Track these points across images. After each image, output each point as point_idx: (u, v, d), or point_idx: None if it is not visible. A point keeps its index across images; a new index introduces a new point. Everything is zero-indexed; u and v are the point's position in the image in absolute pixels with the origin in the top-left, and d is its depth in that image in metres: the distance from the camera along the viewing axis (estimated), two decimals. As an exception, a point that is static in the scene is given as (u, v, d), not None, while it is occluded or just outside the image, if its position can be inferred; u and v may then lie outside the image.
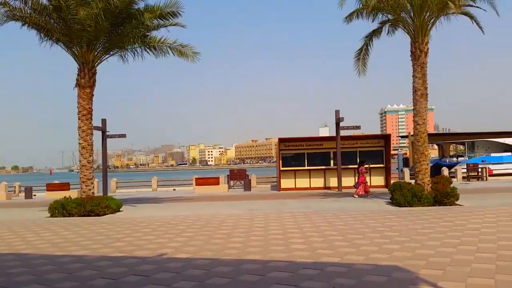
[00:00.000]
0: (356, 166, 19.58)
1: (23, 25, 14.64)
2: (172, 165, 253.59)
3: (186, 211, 14.71)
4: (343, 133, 22.70)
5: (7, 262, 7.07)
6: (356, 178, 19.00)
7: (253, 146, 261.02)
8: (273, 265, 6.26)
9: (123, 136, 23.67)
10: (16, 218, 14.13)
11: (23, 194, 28.14)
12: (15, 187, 30.55)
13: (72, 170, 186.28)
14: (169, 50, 16.86)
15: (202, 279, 5.64)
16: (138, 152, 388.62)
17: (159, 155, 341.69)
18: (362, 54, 17.80)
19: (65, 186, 26.19)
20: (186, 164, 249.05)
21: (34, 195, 28.30)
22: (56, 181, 30.45)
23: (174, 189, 30.01)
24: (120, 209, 15.61)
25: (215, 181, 26.14)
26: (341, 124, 21.95)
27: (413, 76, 14.99)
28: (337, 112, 21.98)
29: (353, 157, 23.28)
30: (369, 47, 17.69)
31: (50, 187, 26.63)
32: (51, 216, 14.36)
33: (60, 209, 14.37)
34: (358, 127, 22.73)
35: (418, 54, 14.82)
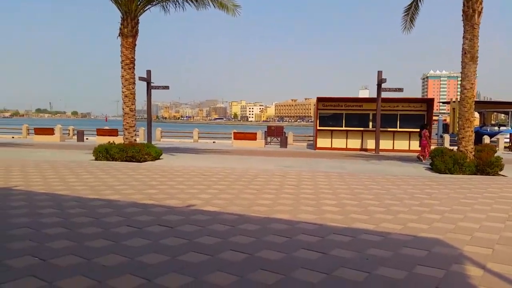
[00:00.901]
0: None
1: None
2: (216, 118, 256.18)
3: (221, 163, 14.31)
4: (384, 95, 21.23)
5: (39, 202, 6.86)
6: (416, 141, 18.09)
7: (292, 105, 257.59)
8: (301, 227, 5.63)
9: (167, 87, 23.29)
10: (63, 159, 14.27)
11: (76, 137, 28.92)
12: (69, 130, 31.45)
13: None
14: (209, 1, 15.92)
15: (226, 236, 5.11)
16: (184, 105, 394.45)
17: (203, 109, 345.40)
18: (412, 9, 16.13)
19: (113, 132, 26.54)
20: (223, 119, 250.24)
21: (86, 138, 29.07)
22: (107, 127, 31.03)
23: (213, 142, 29.86)
24: (160, 157, 15.47)
25: (252, 136, 25.62)
26: (383, 85, 20.45)
27: (463, 37, 13.31)
28: (379, 73, 20.44)
29: (393, 121, 21.91)
30: (419, 3, 15.96)
31: (100, 132, 27.11)
32: (95, 159, 14.40)
33: (103, 153, 14.36)
34: (400, 90, 21.12)
35: (470, 13, 13.06)
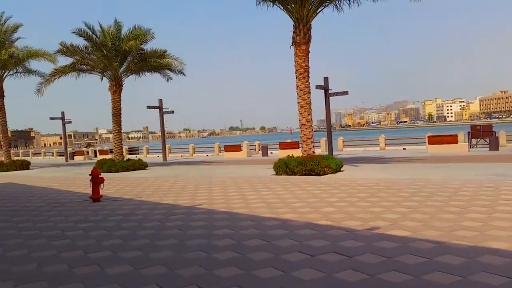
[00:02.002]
0: None
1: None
2: (407, 121, 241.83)
3: (413, 174, 12.87)
4: None
5: (217, 222, 7.18)
6: None
7: (502, 98, 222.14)
8: (532, 265, 4.20)
9: (345, 93, 22.82)
10: (246, 175, 15.26)
11: (261, 152, 31.14)
12: (255, 145, 34.17)
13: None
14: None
15: (420, 272, 4.19)
16: (369, 110, 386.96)
17: (391, 113, 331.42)
18: None
19: (295, 145, 27.47)
20: (406, 122, 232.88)
21: (271, 153, 30.98)
22: (289, 140, 32.48)
23: (404, 148, 27.77)
24: (341, 169, 14.99)
25: (452, 139, 22.67)
26: None
27: None
28: None
29: None
30: None
31: (282, 146, 28.48)
32: (276, 174, 14.89)
33: (283, 167, 14.73)
34: None
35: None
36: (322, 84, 21.99)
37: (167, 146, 32.21)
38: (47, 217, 8.49)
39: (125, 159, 21.90)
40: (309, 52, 15.34)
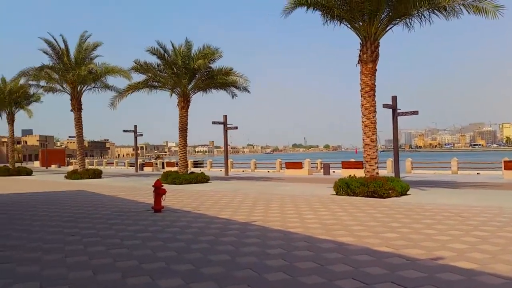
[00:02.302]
0: None
1: (308, 8, 15.10)
2: (481, 145, 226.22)
3: (485, 201, 11.88)
4: None
5: (270, 241, 7.05)
6: None
7: None
8: None
9: (415, 113, 21.74)
10: (305, 194, 14.99)
11: (322, 170, 30.58)
12: (317, 163, 33.68)
13: (377, 150, 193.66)
14: (462, 8, 14.07)
15: (486, 314, 3.76)
16: (442, 131, 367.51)
17: (465, 134, 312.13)
18: None
19: (358, 165, 26.63)
20: (481, 145, 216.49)
21: (333, 171, 30.33)
22: (353, 159, 31.64)
23: (478, 173, 25.86)
24: (407, 192, 14.22)
25: (533, 165, 20.72)
26: None
27: None
28: None
29: None
30: None
31: (345, 165, 27.77)
32: (336, 194, 14.46)
33: (344, 188, 14.28)
34: None
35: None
36: (390, 103, 21.20)
37: (229, 161, 32.74)
38: (110, 225, 8.88)
39: (189, 172, 22.53)
40: (376, 70, 14.92)
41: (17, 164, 55.60)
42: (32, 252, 6.44)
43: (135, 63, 22.62)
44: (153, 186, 10.85)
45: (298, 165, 30.26)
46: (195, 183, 20.66)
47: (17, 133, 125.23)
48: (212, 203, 12.52)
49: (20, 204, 13.28)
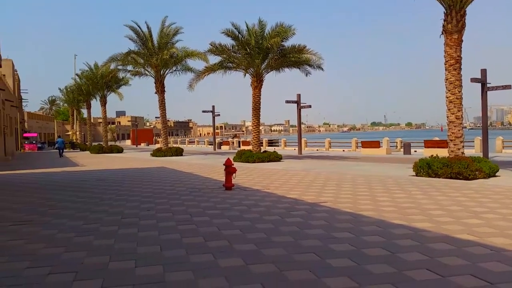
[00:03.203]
0: None
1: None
2: None
3: None
4: None
5: (338, 223, 6.67)
6: None
7: None
8: None
9: (508, 87, 19.50)
10: (381, 174, 14.19)
11: (402, 149, 28.91)
12: (396, 142, 31.91)
13: (465, 127, 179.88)
14: None
15: None
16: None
17: None
18: None
19: (443, 144, 24.72)
20: None
21: (415, 151, 28.55)
22: (436, 138, 29.55)
23: None
24: (496, 174, 12.85)
25: None
26: None
27: None
28: None
29: None
30: None
31: (428, 144, 25.97)
32: (416, 175, 13.50)
33: (425, 168, 13.27)
34: None
35: None
36: (478, 77, 19.20)
37: (303, 139, 32.28)
38: (183, 201, 9.08)
39: (262, 151, 22.56)
40: (461, 41, 13.48)
41: (111, 143, 60.24)
42: (111, 225, 6.75)
43: (211, 45, 22.87)
44: (224, 164, 10.91)
45: (376, 144, 28.89)
46: (268, 161, 20.64)
47: (112, 114, 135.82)
48: (282, 182, 12.34)
49: (108, 179, 14.21)
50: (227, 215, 7.46)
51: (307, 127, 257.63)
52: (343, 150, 32.66)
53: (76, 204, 9.06)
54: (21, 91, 55.37)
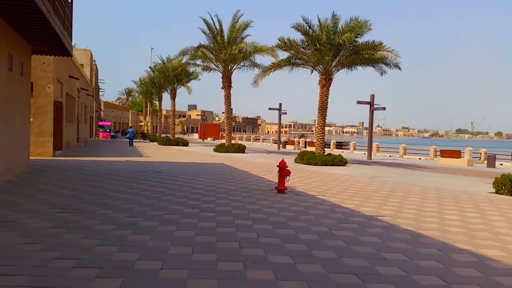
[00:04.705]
0: None
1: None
2: None
3: None
4: None
5: (391, 241, 6.14)
6: None
7: None
8: None
9: None
10: (456, 188, 13.09)
11: (486, 162, 26.65)
12: (480, 153, 29.51)
13: None
14: None
15: None
16: None
17: None
18: None
19: (534, 158, 22.46)
20: None
21: (500, 164, 26.26)
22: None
23: None
24: None
25: None
26: None
27: None
28: None
29: None
30: None
31: (518, 157, 23.68)
32: (496, 192, 12.26)
33: (507, 186, 12.01)
34: None
35: None
36: None
37: (374, 144, 31.02)
38: (230, 201, 9.01)
39: (326, 154, 21.96)
40: None
41: (180, 135, 62.64)
42: (152, 221, 6.84)
43: (279, 40, 22.69)
44: (277, 166, 10.69)
45: (456, 154, 26.93)
46: (331, 165, 20.02)
47: (184, 108, 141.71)
48: (341, 189, 11.82)
49: (166, 172, 14.64)
50: (271, 221, 7.23)
51: (383, 130, 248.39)
52: (419, 158, 30.88)
53: (127, 195, 9.37)
54: (99, 81, 59.57)
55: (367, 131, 30.65)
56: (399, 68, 22.57)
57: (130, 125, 73.42)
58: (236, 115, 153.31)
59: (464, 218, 8.20)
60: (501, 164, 26.09)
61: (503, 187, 12.13)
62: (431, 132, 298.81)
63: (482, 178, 17.05)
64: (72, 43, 15.46)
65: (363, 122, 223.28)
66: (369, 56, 21.45)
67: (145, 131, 64.00)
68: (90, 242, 5.47)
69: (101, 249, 5.21)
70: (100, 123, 60.17)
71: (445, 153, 27.65)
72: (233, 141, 33.25)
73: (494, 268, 5.08)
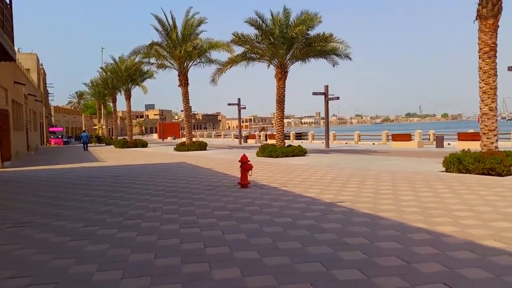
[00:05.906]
0: None
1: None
2: None
3: None
4: None
5: (351, 226, 6.23)
6: None
7: None
8: None
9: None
10: (408, 170, 13.54)
11: (435, 142, 27.81)
12: (429, 135, 30.75)
13: (504, 118, 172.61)
14: None
15: None
16: None
17: None
18: None
19: (477, 136, 23.57)
20: None
21: (448, 144, 27.46)
22: (471, 130, 28.33)
23: None
24: (536, 170, 11.98)
25: None
26: None
27: None
28: None
29: None
30: None
31: (462, 137, 24.95)
32: (445, 170, 12.81)
33: (455, 164, 12.57)
34: None
35: None
36: (517, 63, 18.05)
37: (331, 132, 31.61)
38: (193, 200, 8.85)
39: (287, 145, 22.13)
40: (497, 27, 12.61)
41: (138, 136, 61.10)
42: (111, 228, 6.57)
43: (234, 35, 22.53)
44: (239, 161, 10.61)
45: (407, 137, 27.94)
46: (292, 156, 20.22)
47: (142, 108, 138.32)
48: (302, 179, 11.93)
49: (124, 176, 14.20)
50: (235, 216, 7.16)
51: (339, 119, 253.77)
52: (373, 144, 31.81)
53: (82, 203, 8.96)
54: (47, 85, 56.91)
55: (324, 120, 31.15)
56: (350, 59, 23.03)
57: (83, 129, 70.88)
58: (196, 113, 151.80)
59: (418, 197, 8.47)
60: (449, 144, 27.33)
61: (452, 166, 12.69)
62: (382, 118, 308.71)
63: (433, 158, 17.76)
64: (16, 47, 14.62)
65: (319, 113, 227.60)
66: (321, 48, 21.74)
67: (100, 135, 61.99)
68: (45, 257, 5.15)
69: (56, 263, 4.92)
70: (51, 129, 57.72)
71: (396, 137, 28.59)
72: (194, 139, 32.85)
73: (448, 243, 5.26)
